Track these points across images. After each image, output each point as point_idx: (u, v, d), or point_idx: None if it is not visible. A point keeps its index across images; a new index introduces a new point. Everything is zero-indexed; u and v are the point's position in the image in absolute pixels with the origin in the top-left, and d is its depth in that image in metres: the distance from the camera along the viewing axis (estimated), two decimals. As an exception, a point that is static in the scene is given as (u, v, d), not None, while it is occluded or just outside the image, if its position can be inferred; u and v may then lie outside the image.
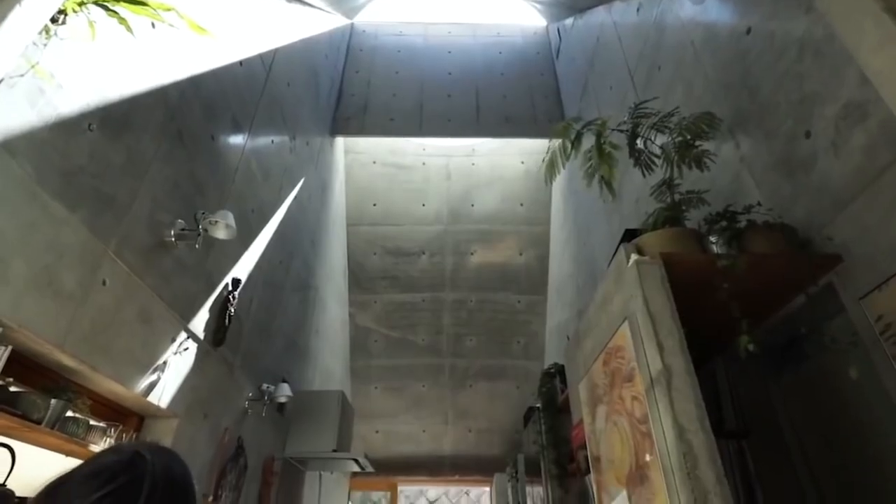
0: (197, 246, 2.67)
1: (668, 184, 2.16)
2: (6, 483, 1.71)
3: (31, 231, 1.73)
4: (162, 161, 2.51)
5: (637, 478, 1.62)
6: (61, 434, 1.88)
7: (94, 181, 2.04)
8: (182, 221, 2.64)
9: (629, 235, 2.05)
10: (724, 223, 1.85)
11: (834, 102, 1.76)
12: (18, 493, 1.76)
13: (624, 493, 1.75)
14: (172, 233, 2.55)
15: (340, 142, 6.83)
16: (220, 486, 3.18)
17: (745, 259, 1.66)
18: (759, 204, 1.94)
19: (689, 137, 2.13)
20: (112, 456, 0.73)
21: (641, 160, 2.30)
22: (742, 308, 1.58)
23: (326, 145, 6.03)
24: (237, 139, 3.47)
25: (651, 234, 1.88)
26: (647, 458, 1.53)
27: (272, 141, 4.16)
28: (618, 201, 4.03)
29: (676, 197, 2.12)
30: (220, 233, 2.65)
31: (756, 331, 1.60)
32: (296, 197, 4.73)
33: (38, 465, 2.03)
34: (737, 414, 2.03)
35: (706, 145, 2.21)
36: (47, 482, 0.70)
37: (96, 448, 2.04)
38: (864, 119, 1.62)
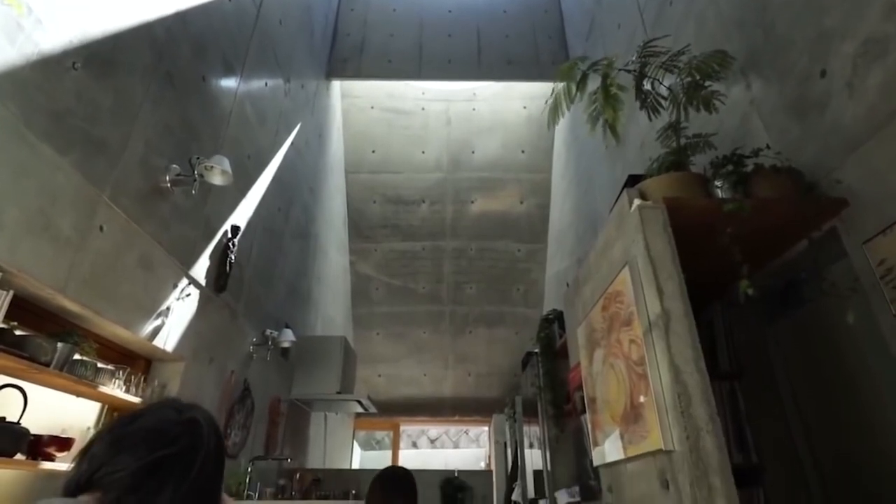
0: (193, 192, 2.63)
1: (674, 127, 2.10)
2: (20, 422, 1.77)
3: (23, 174, 1.70)
4: (152, 103, 2.42)
5: (631, 416, 1.67)
6: (70, 376, 1.92)
7: (84, 124, 1.98)
8: (177, 167, 2.59)
9: (632, 181, 2.01)
10: (730, 167, 1.80)
11: (853, 38, 1.67)
12: (33, 431, 1.82)
13: (617, 431, 1.81)
14: (168, 178, 2.51)
15: (337, 85, 6.61)
16: (228, 426, 3.31)
17: (751, 203, 1.63)
18: (767, 147, 1.89)
19: (698, 77, 2.05)
20: (172, 414, 0.74)
21: (648, 102, 2.22)
22: (743, 253, 1.57)
23: (322, 89, 5.84)
24: (229, 81, 3.34)
25: (655, 178, 1.84)
26: (642, 398, 1.57)
27: (266, 84, 4.02)
28: (622, 147, 3.95)
29: (682, 141, 2.06)
30: (217, 178, 2.61)
31: (756, 276, 1.60)
32: (293, 143, 4.63)
33: (51, 405, 2.09)
34: (731, 357, 2.07)
35: (716, 86, 2.12)
36: (103, 430, 0.72)
37: (106, 389, 2.10)
38: (884, 55, 1.54)
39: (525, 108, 6.97)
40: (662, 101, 2.21)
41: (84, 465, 0.68)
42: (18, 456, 1.77)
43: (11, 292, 1.67)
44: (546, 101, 2.37)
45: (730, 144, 2.03)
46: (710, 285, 2.00)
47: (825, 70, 1.79)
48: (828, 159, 1.77)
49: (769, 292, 1.99)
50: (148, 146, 2.40)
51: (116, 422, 0.73)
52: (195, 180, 2.59)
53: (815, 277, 1.80)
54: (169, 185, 2.52)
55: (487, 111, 7.06)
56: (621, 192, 1.86)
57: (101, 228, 2.07)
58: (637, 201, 1.70)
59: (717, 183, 1.84)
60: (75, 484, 0.67)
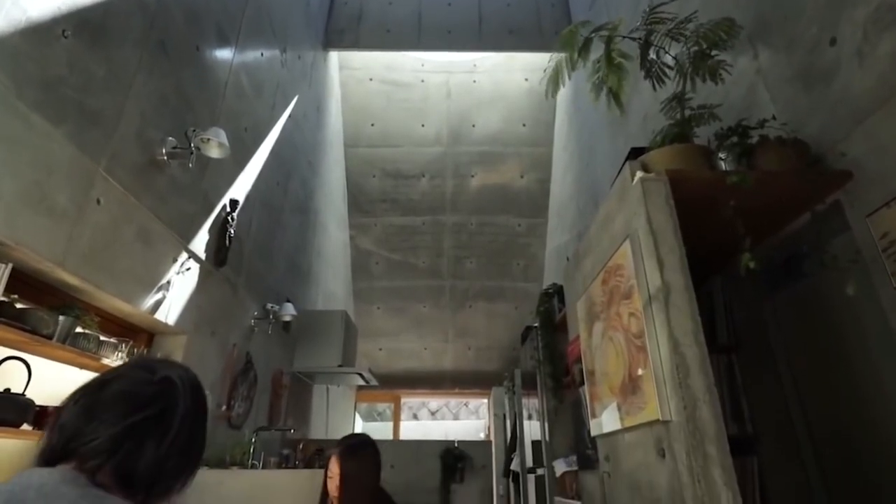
0: (190, 165, 2.60)
1: (678, 98, 2.06)
2: (25, 393, 1.79)
3: (16, 146, 1.67)
4: (146, 74, 2.37)
5: (629, 388, 1.69)
6: (73, 348, 1.94)
7: (77, 94, 1.94)
8: (173, 139, 2.56)
9: (635, 153, 1.99)
10: (734, 139, 1.78)
11: (865, 4, 1.62)
12: (38, 403, 1.84)
13: (615, 402, 1.83)
14: (164, 151, 2.48)
15: (334, 56, 6.47)
16: (232, 397, 3.36)
17: (754, 176, 1.61)
18: (773, 118, 1.85)
19: (705, 46, 1.99)
20: (144, 375, 0.72)
21: (653, 72, 2.17)
22: (745, 226, 1.56)
23: (320, 60, 5.72)
24: (224, 52, 3.27)
25: (658, 150, 1.82)
26: (640, 371, 1.59)
27: (261, 54, 3.94)
28: (624, 120, 3.89)
29: (687, 112, 2.03)
30: (213, 151, 2.57)
31: (757, 249, 1.59)
32: (290, 115, 4.56)
33: (55, 377, 2.12)
34: (729, 330, 2.08)
35: (722, 56, 2.07)
36: (75, 394, 0.70)
37: (109, 362, 2.12)
38: (897, 23, 1.50)
39: (526, 80, 6.84)
40: (668, 71, 2.17)
41: (55, 435, 0.67)
42: (25, 426, 1.80)
43: (10, 265, 1.67)
44: (544, 69, 2.32)
45: (735, 116, 1.99)
46: (711, 258, 2.00)
47: (835, 38, 1.75)
48: (834, 131, 1.74)
49: (770, 266, 1.98)
50: (143, 118, 2.36)
51: (85, 389, 0.71)
52: (192, 153, 2.56)
53: (817, 251, 1.79)
54: (165, 157, 2.49)
55: (488, 83, 6.93)
56: (623, 164, 1.84)
57: (98, 201, 2.06)
58: (639, 174, 1.68)
59: (722, 155, 1.82)
60: (49, 454, 0.66)
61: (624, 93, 2.22)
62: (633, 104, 3.65)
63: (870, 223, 1.56)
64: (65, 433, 0.66)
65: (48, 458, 0.66)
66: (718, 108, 2.03)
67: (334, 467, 1.85)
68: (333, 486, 1.82)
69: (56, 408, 0.71)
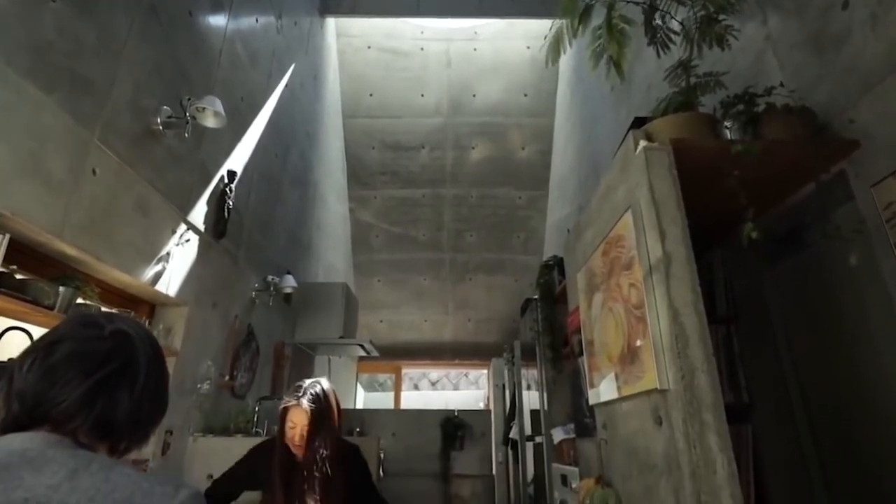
0: (186, 135, 2.57)
1: (684, 66, 2.01)
2: (29, 362, 1.80)
3: (9, 114, 1.64)
4: (138, 40, 2.31)
5: (628, 358, 1.71)
6: (75, 319, 1.94)
7: (68, 61, 1.89)
8: (168, 108, 2.51)
9: (638, 124, 1.95)
10: (740, 107, 1.74)
11: (882, -35, 1.56)
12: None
13: (613, 372, 1.85)
14: (159, 120, 2.44)
15: (331, 23, 6.31)
16: (234, 367, 3.40)
17: (760, 145, 1.59)
18: (781, 85, 1.81)
19: (712, 10, 1.93)
20: (94, 332, 0.70)
21: (658, 37, 2.11)
22: (749, 196, 1.54)
23: (316, 27, 5.58)
24: (218, 18, 3.18)
25: (662, 119, 1.78)
26: (639, 341, 1.60)
27: (256, 20, 3.83)
28: (628, 90, 3.82)
29: (692, 80, 1.98)
30: (209, 120, 2.53)
31: (760, 219, 1.58)
32: (287, 84, 4.47)
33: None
34: (728, 301, 2.09)
35: (730, 20, 2.01)
36: (21, 360, 0.68)
37: (111, 332, 2.13)
38: (914, -16, 1.45)
39: (528, 48, 6.68)
40: (673, 37, 2.11)
41: (15, 404, 0.65)
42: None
43: (8, 236, 1.66)
44: (545, 36, 2.26)
45: (741, 84, 1.95)
46: (713, 229, 1.99)
47: (847, 1, 1.69)
48: (842, 99, 1.71)
49: (771, 237, 1.98)
50: (136, 86, 2.31)
51: (31, 353, 0.68)
52: (187, 122, 2.52)
53: (820, 222, 1.78)
54: (161, 127, 2.45)
55: (489, 51, 6.77)
56: (626, 134, 1.81)
57: (93, 172, 2.03)
58: (643, 143, 1.65)
59: (727, 123, 1.79)
60: (13, 424, 0.64)
61: (625, 60, 2.16)
62: (637, 73, 3.57)
63: (874, 193, 1.54)
64: (26, 401, 0.64)
65: (13, 427, 0.64)
66: (725, 75, 1.99)
67: (295, 416, 1.80)
68: (296, 435, 1.78)
69: (6, 375, 0.68)
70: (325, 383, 1.91)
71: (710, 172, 1.61)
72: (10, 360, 1.76)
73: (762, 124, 1.71)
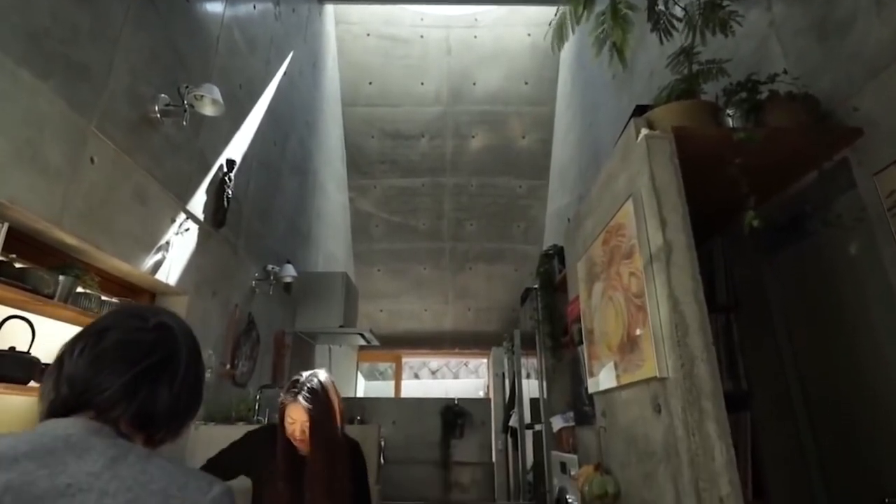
0: (184, 123, 2.54)
1: (686, 52, 1.99)
2: (30, 351, 1.81)
3: (5, 102, 1.63)
4: (134, 26, 2.29)
5: (627, 347, 1.71)
6: (75, 308, 1.95)
7: (63, 47, 1.87)
8: (166, 96, 2.49)
9: (640, 112, 1.94)
10: (743, 94, 1.72)
11: (889, -51, 1.54)
12: (44, 361, 1.87)
13: (613, 361, 1.86)
14: (157, 108, 2.42)
15: (330, 10, 6.24)
16: (235, 356, 3.41)
17: (762, 133, 1.57)
18: (784, 72, 1.79)
19: (716, -4, 1.91)
20: (138, 323, 0.73)
21: (661, 23, 2.09)
22: (751, 185, 1.53)
23: (315, 13, 5.51)
24: (215, 4, 3.14)
25: (663, 107, 1.77)
26: (639, 330, 1.60)
27: (254, 6, 3.79)
28: (629, 78, 3.78)
29: (695, 67, 1.96)
30: (207, 108, 2.51)
31: (761, 208, 1.57)
32: (286, 72, 4.43)
33: (60, 337, 2.14)
34: (728, 290, 2.09)
35: (734, 6, 1.99)
36: (73, 345, 0.71)
37: (112, 321, 2.13)
38: (921, -31, 1.43)
39: (529, 35, 6.61)
40: (676, 23, 2.08)
41: (64, 388, 0.67)
42: (32, 384, 1.83)
43: (6, 224, 1.65)
44: (550, 23, 2.23)
45: (744, 71, 1.93)
46: (713, 217, 1.99)
47: (854, -14, 1.67)
48: (846, 86, 1.69)
49: (772, 225, 1.97)
50: (133, 73, 2.29)
51: (83, 339, 0.70)
52: (185, 110, 2.50)
53: (821, 210, 1.77)
54: (158, 115, 2.43)
55: (490, 39, 6.70)
56: (628, 122, 1.79)
57: (91, 160, 2.02)
58: (644, 131, 1.64)
59: (729, 111, 1.77)
60: (62, 406, 0.66)
61: (628, 47, 2.14)
62: (639, 60, 3.53)
63: (877, 181, 1.53)
64: (76, 385, 0.67)
65: (61, 410, 0.66)
66: (727, 62, 1.97)
67: (294, 413, 1.75)
68: (296, 430, 1.74)
69: (56, 360, 0.70)
70: (322, 375, 1.86)
71: (712, 160, 1.60)
72: (11, 348, 1.76)
73: (765, 112, 1.69)
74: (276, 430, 1.79)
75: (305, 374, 1.84)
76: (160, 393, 0.69)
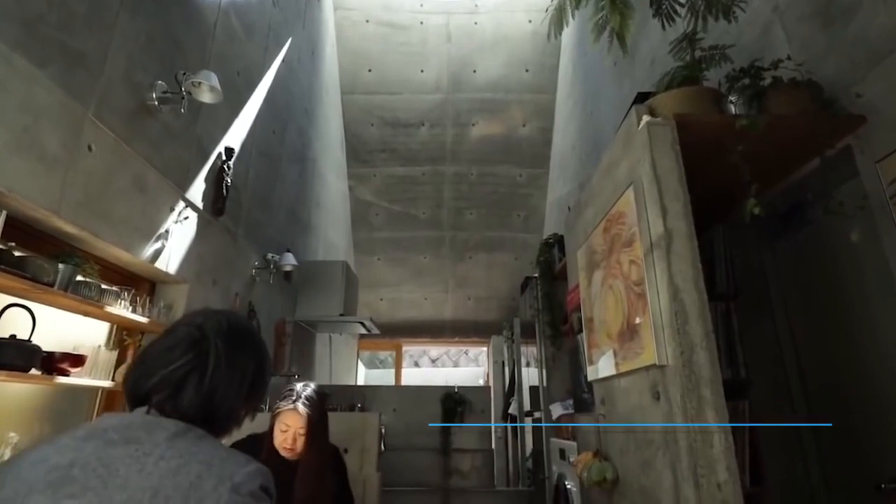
0: (182, 110, 2.52)
1: (689, 38, 1.97)
2: (31, 339, 1.81)
3: (0, 89, 1.61)
4: (129, 12, 2.26)
5: (627, 335, 1.72)
6: (75, 296, 1.94)
7: (58, 33, 1.85)
8: (163, 83, 2.47)
9: (641, 98, 1.92)
10: (746, 81, 1.71)
11: (896, -68, 1.51)
12: (45, 348, 1.88)
13: (612, 349, 1.86)
14: (154, 95, 2.40)
15: (329, -4, 6.16)
16: (236, 345, 3.42)
17: (765, 120, 1.56)
18: (788, 58, 1.77)
19: (720, -19, 1.88)
20: (184, 329, 0.85)
21: (663, 9, 2.06)
22: (752, 172, 1.53)
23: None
24: (212, -11, 3.10)
25: (665, 94, 1.75)
26: (639, 319, 1.60)
27: (252, -8, 3.74)
28: (631, 64, 3.75)
29: (697, 54, 1.94)
30: (205, 95, 2.49)
31: (762, 196, 1.57)
32: (284, 59, 4.39)
33: (60, 325, 2.15)
34: (728, 278, 2.09)
35: (738, -9, 1.96)
36: (160, 335, 0.85)
37: (113, 309, 2.14)
38: (928, -48, 1.40)
39: (530, 21, 6.54)
40: (679, 9, 2.06)
41: (139, 371, 0.82)
42: (34, 372, 1.84)
43: (5, 213, 1.64)
44: (547, 10, 2.21)
45: (747, 58, 1.91)
46: (714, 206, 1.98)
47: (859, -29, 1.64)
48: (850, 72, 1.68)
49: (773, 214, 1.96)
50: (130, 60, 2.27)
51: (160, 336, 0.86)
52: (183, 98, 2.47)
53: (822, 198, 1.76)
54: (156, 102, 2.41)
55: (490, 25, 6.63)
56: (629, 109, 1.78)
57: (89, 148, 2.01)
58: (646, 118, 1.63)
59: (732, 98, 1.76)
60: (143, 395, 0.79)
61: (629, 33, 2.12)
62: (641, 47, 3.50)
63: (879, 169, 1.53)
64: (140, 379, 0.81)
65: (136, 402, 0.80)
66: (731, 48, 1.95)
67: (290, 419, 1.80)
68: (287, 438, 1.79)
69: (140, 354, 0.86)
70: (313, 386, 1.95)
71: (714, 148, 1.59)
72: (12, 336, 1.77)
73: (768, 98, 1.68)
74: (258, 440, 1.84)
75: (299, 384, 1.94)
76: (187, 390, 0.79)
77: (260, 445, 1.83)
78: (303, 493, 1.75)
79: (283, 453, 1.82)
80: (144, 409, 0.78)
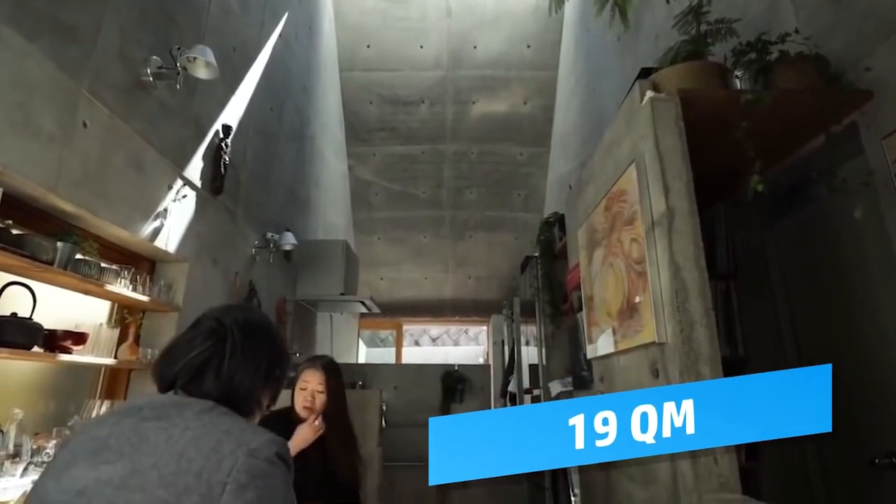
0: (178, 87, 2.48)
1: (694, 12, 1.92)
2: (32, 317, 1.82)
3: (-9, 64, 1.58)
4: (122, -16, 2.20)
5: (627, 313, 1.72)
6: (75, 274, 1.94)
7: (49, 6, 1.81)
8: (158, 59, 2.42)
9: (645, 74, 1.88)
10: (752, 55, 1.67)
11: None
12: (46, 327, 1.88)
13: (612, 327, 1.87)
14: (149, 71, 2.36)
15: (326, -31, 6.01)
16: (237, 324, 3.44)
17: (770, 95, 1.53)
18: (795, 31, 1.73)
19: (728, -49, 1.83)
20: (206, 323, 0.93)
21: (669, -19, 2.00)
22: (756, 149, 1.51)
23: (310, -28, 5.31)
24: (206, -40, 3.02)
25: (669, 69, 1.72)
26: (639, 297, 1.60)
27: (247, -36, 3.64)
28: (635, 40, 3.67)
29: (703, 28, 1.90)
30: (201, 71, 2.44)
31: (765, 174, 1.55)
32: (281, 35, 4.31)
33: (61, 303, 2.15)
34: (729, 257, 2.08)
35: (746, -38, 1.91)
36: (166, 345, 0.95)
37: (113, 288, 2.14)
38: (945, -81, 1.36)
39: (532, -5, 6.38)
40: (685, -19, 2.00)
41: (168, 366, 0.90)
42: (36, 349, 1.85)
43: (1, 190, 1.63)
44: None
45: (754, 31, 1.86)
46: (716, 184, 1.96)
47: (872, -60, 1.59)
48: (858, 46, 1.64)
49: (775, 192, 1.95)
50: (123, 34, 2.22)
51: (190, 326, 0.95)
52: (178, 73, 2.43)
53: (826, 176, 1.74)
54: (151, 78, 2.37)
55: (491, 0, 6.48)
56: (633, 85, 1.75)
57: (84, 125, 1.98)
58: (649, 93, 1.60)
59: (738, 73, 1.72)
60: (170, 381, 0.88)
61: (631, 6, 2.07)
62: (645, 21, 3.43)
63: (885, 146, 1.51)
64: (169, 361, 0.90)
65: (166, 386, 0.89)
66: (737, 22, 1.90)
67: (309, 376, 2.00)
68: (307, 396, 1.98)
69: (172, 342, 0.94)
70: (331, 357, 2.17)
71: (718, 124, 1.57)
72: (13, 314, 1.77)
73: (774, 73, 1.65)
74: (278, 413, 1.93)
75: (320, 354, 2.24)
76: (208, 375, 0.87)
77: (280, 418, 1.93)
78: (331, 437, 1.94)
79: (302, 414, 1.96)
80: (173, 392, 0.87)
